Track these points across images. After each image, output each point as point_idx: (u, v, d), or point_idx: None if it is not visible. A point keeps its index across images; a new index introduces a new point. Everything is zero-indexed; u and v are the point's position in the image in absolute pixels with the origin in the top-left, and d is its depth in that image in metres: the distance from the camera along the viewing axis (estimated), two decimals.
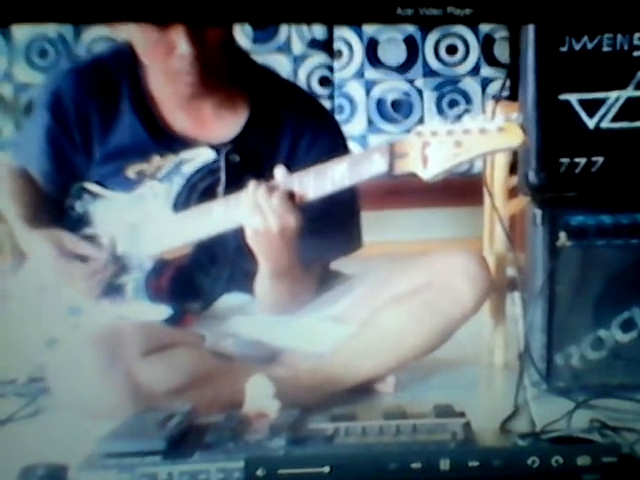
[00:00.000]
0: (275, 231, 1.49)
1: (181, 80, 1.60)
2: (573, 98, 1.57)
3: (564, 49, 1.55)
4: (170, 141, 1.69)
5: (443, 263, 1.70)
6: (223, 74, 1.66)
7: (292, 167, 1.55)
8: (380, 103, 2.92)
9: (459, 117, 1.41)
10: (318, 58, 2.94)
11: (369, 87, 2.93)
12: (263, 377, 1.50)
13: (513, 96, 1.78)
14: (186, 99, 1.66)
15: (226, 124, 1.71)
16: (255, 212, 1.49)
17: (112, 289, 1.68)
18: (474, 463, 1.07)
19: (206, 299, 1.76)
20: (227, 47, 1.64)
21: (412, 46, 2.92)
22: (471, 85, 2.91)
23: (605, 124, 1.59)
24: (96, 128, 1.69)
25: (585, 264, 1.62)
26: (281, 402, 1.44)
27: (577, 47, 1.55)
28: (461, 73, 2.92)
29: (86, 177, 1.72)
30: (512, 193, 1.88)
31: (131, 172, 1.69)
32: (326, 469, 1.07)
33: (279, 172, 1.52)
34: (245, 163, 1.68)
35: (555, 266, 1.62)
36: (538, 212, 1.63)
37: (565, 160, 1.59)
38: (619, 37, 1.55)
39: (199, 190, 1.67)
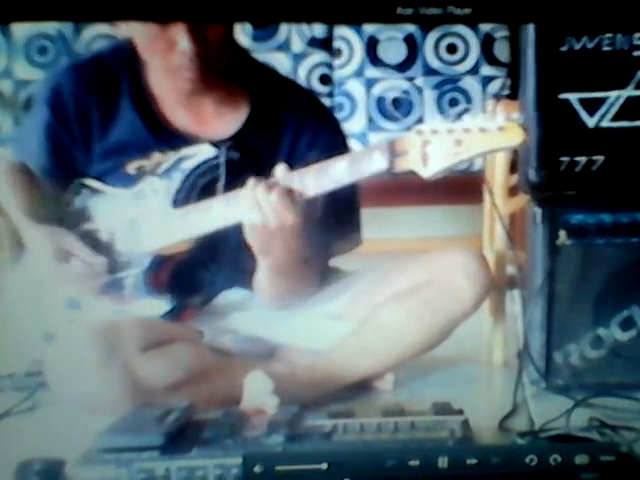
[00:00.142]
0: (273, 227, 1.49)
1: (181, 76, 1.60)
2: (573, 97, 1.57)
3: (564, 48, 1.55)
4: (170, 137, 1.69)
5: (443, 261, 1.71)
6: (223, 71, 1.66)
7: (292, 164, 1.56)
8: (380, 101, 2.92)
9: (459, 116, 1.42)
10: (318, 56, 2.94)
11: (369, 85, 2.93)
12: (261, 373, 1.50)
13: (513, 95, 1.78)
14: (186, 95, 1.66)
15: (226, 121, 1.71)
16: (254, 209, 1.49)
17: (111, 285, 1.68)
18: (472, 461, 1.07)
19: (205, 295, 1.77)
20: (227, 44, 1.64)
21: (412, 45, 2.92)
22: (471, 84, 2.91)
23: (605, 123, 1.59)
24: (96, 124, 1.69)
25: (585, 263, 1.62)
26: (279, 399, 1.44)
27: (577, 47, 1.55)
28: (461, 72, 2.92)
29: (86, 173, 1.72)
30: (512, 191, 1.88)
31: (131, 168, 1.69)
32: (324, 466, 1.06)
33: (279, 169, 1.52)
34: (245, 160, 1.68)
35: (555, 264, 1.62)
36: (538, 210, 1.63)
37: (565, 159, 1.59)
38: (619, 37, 1.55)
39: (199, 187, 1.67)
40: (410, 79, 2.92)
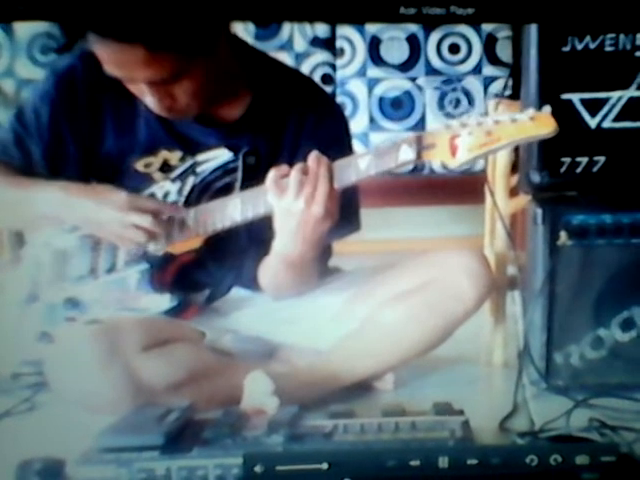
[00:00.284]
0: (307, 215, 1.49)
1: None
2: (575, 98, 1.57)
3: (566, 49, 1.55)
4: (179, 133, 1.68)
5: (444, 261, 1.70)
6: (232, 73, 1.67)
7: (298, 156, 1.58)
8: (382, 101, 2.92)
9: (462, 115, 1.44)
10: (320, 56, 2.93)
11: (371, 85, 2.93)
12: (262, 374, 1.50)
13: (515, 95, 1.78)
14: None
15: (229, 107, 1.70)
16: (298, 193, 1.49)
17: (116, 281, 1.68)
18: (473, 461, 1.07)
19: (210, 294, 1.77)
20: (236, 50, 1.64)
21: (414, 45, 2.91)
22: (473, 84, 2.91)
23: (607, 124, 1.59)
24: (108, 119, 1.69)
25: (585, 263, 1.62)
26: (279, 399, 1.44)
27: (579, 47, 1.55)
28: (463, 72, 2.92)
29: (91, 170, 1.71)
30: (513, 192, 1.88)
31: (139, 165, 1.69)
32: (324, 466, 1.06)
33: (312, 156, 1.52)
34: (261, 163, 1.68)
35: (555, 265, 1.62)
36: (539, 211, 1.63)
37: (566, 159, 1.59)
38: (621, 37, 1.55)
39: (213, 189, 1.68)
40: (412, 79, 2.92)
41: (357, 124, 2.89)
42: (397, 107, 2.91)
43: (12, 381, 1.66)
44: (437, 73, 2.92)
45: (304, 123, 1.71)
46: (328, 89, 2.89)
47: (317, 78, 2.90)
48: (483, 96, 2.89)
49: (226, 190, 1.67)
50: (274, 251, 1.60)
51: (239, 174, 1.68)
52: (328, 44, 2.94)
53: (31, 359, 1.63)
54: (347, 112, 2.90)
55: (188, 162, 1.69)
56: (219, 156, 1.69)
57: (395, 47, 2.93)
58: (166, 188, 1.69)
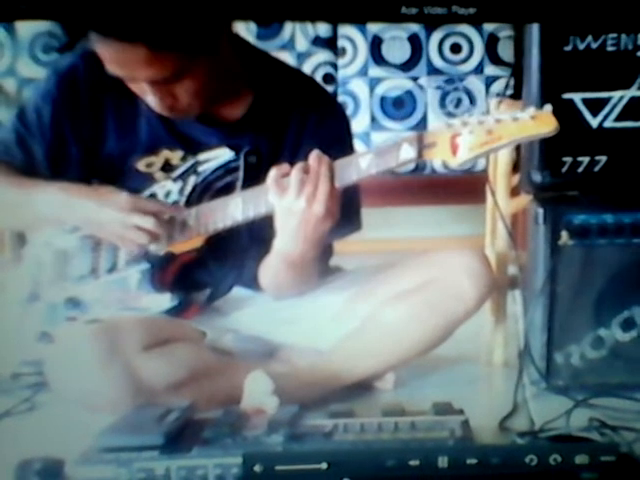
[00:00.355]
0: (308, 214, 1.49)
1: None
2: (577, 97, 1.57)
3: (568, 48, 1.55)
4: (180, 132, 1.68)
5: (445, 261, 1.70)
6: (234, 72, 1.67)
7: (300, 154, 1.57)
8: (383, 101, 2.92)
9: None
10: (322, 55, 2.93)
11: (373, 85, 2.92)
12: (262, 373, 1.50)
13: (517, 95, 1.78)
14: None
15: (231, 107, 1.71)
16: (300, 192, 1.49)
17: (117, 281, 1.68)
18: (472, 461, 1.07)
19: (211, 294, 1.77)
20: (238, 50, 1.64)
21: (416, 44, 2.91)
22: (475, 84, 2.91)
23: (608, 123, 1.59)
24: (110, 118, 1.69)
25: (586, 263, 1.61)
26: (280, 398, 1.44)
27: (581, 47, 1.55)
28: (465, 72, 2.92)
29: (93, 170, 1.71)
30: (514, 191, 1.88)
31: (141, 165, 1.69)
32: (324, 465, 1.06)
33: (313, 155, 1.52)
34: (263, 162, 1.67)
35: (556, 265, 1.62)
36: (540, 211, 1.63)
37: (568, 159, 1.59)
38: (623, 37, 1.55)
39: (214, 189, 1.68)
40: (414, 79, 2.92)
41: (359, 123, 2.89)
42: (398, 107, 2.91)
43: (12, 381, 1.66)
44: (439, 73, 2.91)
45: (306, 122, 1.71)
46: (330, 89, 2.88)
47: (319, 78, 2.90)
48: (485, 96, 2.89)
49: (227, 189, 1.67)
50: (275, 250, 1.60)
51: (240, 173, 1.68)
52: (330, 44, 2.94)
53: (31, 359, 1.63)
54: (348, 111, 2.90)
55: (189, 161, 1.69)
56: (220, 155, 1.69)
57: (397, 47, 2.92)
58: (167, 188, 1.69)
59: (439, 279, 1.67)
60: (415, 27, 2.91)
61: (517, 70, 1.72)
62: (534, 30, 1.56)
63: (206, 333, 1.67)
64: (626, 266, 1.62)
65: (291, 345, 1.72)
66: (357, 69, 2.93)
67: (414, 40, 2.91)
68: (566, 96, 1.57)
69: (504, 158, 1.90)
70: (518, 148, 1.71)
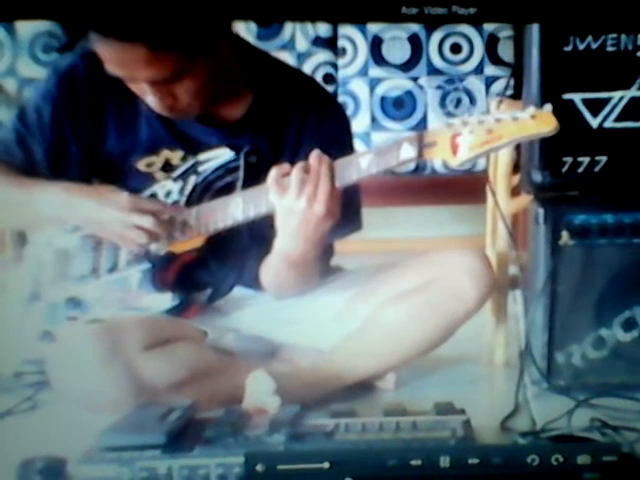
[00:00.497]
0: (309, 214, 1.49)
1: None
2: (577, 97, 1.57)
3: (568, 49, 1.55)
4: (180, 132, 1.68)
5: (446, 261, 1.70)
6: (234, 72, 1.67)
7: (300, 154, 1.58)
8: (384, 101, 2.92)
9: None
10: (322, 55, 2.93)
11: (373, 85, 2.92)
12: (264, 373, 1.50)
13: (517, 95, 1.78)
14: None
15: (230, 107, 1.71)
16: (300, 192, 1.49)
17: (118, 280, 1.68)
18: (474, 461, 1.07)
19: (212, 294, 1.77)
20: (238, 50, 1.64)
21: (416, 44, 2.91)
22: (475, 84, 2.91)
23: (609, 124, 1.59)
24: (110, 118, 1.69)
25: (587, 263, 1.62)
26: (281, 398, 1.44)
27: (581, 47, 1.55)
28: (465, 72, 2.92)
29: (93, 170, 1.71)
30: (515, 191, 1.88)
31: (141, 165, 1.69)
32: (326, 465, 1.07)
33: (313, 155, 1.52)
34: (263, 162, 1.68)
35: (557, 265, 1.62)
36: (540, 211, 1.63)
37: (568, 159, 1.59)
38: (623, 37, 1.55)
39: (215, 188, 1.68)
40: (414, 79, 2.92)
41: (359, 124, 2.89)
42: (399, 107, 2.91)
43: (14, 380, 1.67)
44: (439, 73, 2.91)
45: (306, 123, 1.71)
46: (330, 89, 2.88)
47: (319, 78, 2.90)
48: (485, 96, 2.89)
49: (228, 189, 1.67)
50: (276, 250, 1.60)
51: (241, 173, 1.69)
52: (330, 44, 2.94)
53: (33, 358, 1.63)
54: (349, 112, 2.90)
55: (190, 161, 1.69)
56: (221, 155, 1.69)
57: (397, 47, 2.92)
58: (168, 187, 1.69)
59: (440, 279, 1.67)
60: (415, 27, 2.91)
61: (517, 70, 1.72)
62: (534, 30, 1.56)
63: (207, 333, 1.67)
64: (627, 266, 1.62)
65: (292, 345, 1.72)
66: (357, 69, 2.93)
67: (414, 40, 2.91)
68: (566, 96, 1.57)
69: (504, 158, 1.90)
70: (518, 148, 1.71)
